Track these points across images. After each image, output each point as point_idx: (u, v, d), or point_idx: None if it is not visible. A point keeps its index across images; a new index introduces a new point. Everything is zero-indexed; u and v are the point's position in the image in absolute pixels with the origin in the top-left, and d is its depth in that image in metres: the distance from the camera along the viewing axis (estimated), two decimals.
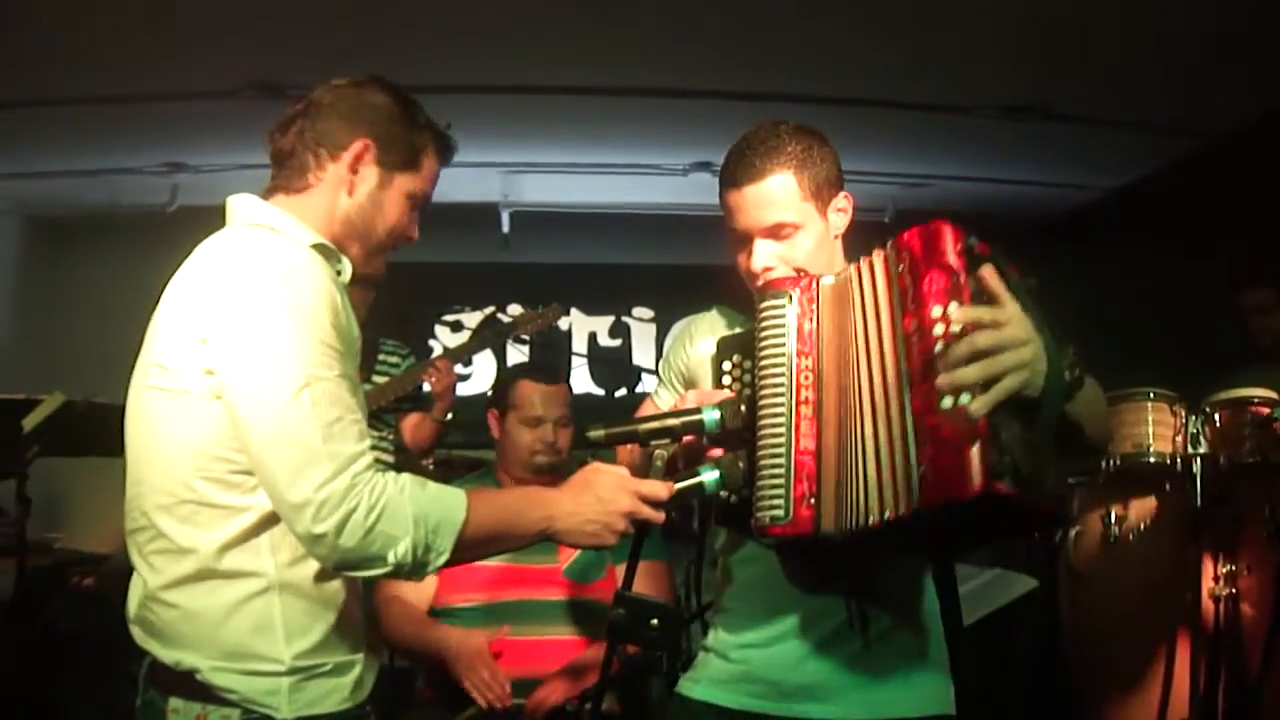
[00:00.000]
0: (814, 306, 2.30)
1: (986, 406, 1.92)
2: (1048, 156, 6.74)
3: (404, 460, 5.19)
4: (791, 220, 2.44)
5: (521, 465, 4.01)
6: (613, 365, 8.29)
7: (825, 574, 2.43)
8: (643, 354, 8.43)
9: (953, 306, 2.01)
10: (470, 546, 2.10)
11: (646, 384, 7.51)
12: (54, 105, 5.88)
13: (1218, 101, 5.67)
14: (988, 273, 2.02)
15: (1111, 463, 3.82)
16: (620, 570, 3.73)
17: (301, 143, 2.27)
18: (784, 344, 2.29)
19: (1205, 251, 5.97)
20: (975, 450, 1.91)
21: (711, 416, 2.31)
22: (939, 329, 2.01)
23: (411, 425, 5.18)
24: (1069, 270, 7.43)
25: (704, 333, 2.69)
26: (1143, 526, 3.82)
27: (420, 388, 5.03)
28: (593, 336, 8.43)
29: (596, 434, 2.38)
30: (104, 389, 5.36)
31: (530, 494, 2.47)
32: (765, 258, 2.45)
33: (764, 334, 2.32)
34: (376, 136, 2.28)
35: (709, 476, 2.29)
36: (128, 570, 2.25)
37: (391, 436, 5.14)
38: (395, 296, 5.75)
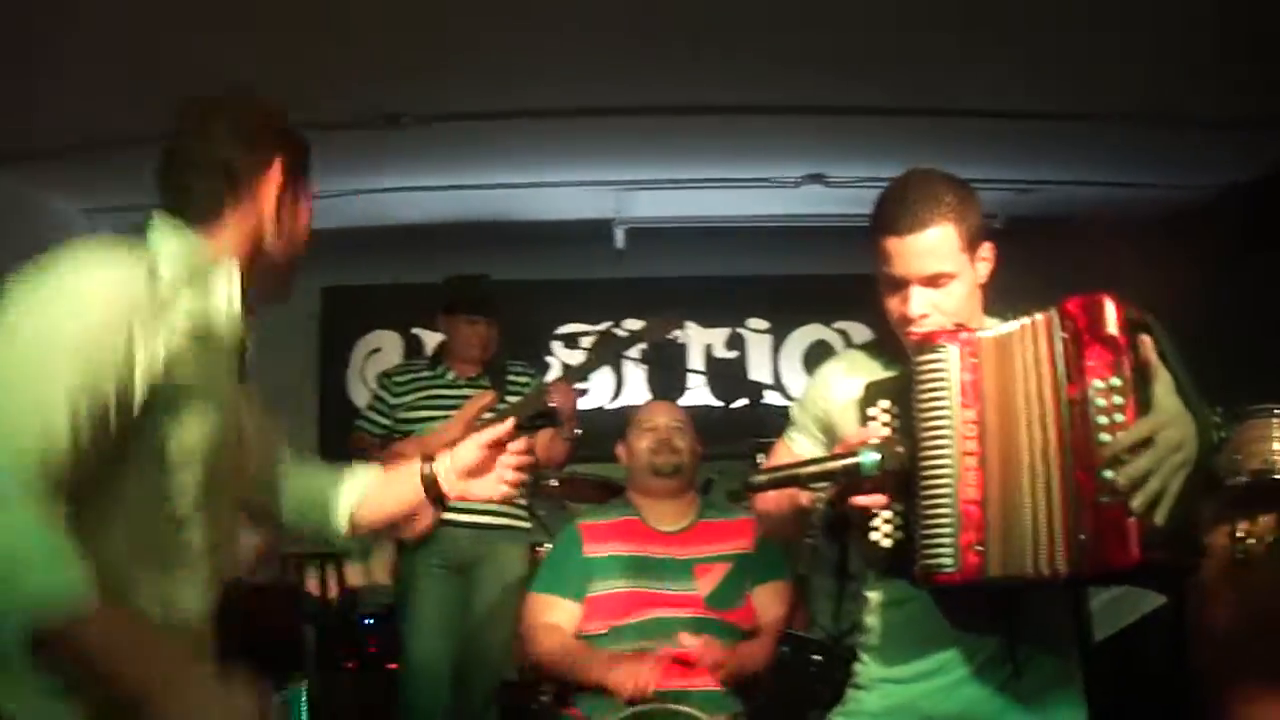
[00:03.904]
0: (975, 359, 2.35)
1: (1147, 502, 2.08)
2: (1155, 158, 6.68)
3: (536, 476, 5.31)
4: (949, 270, 2.50)
5: (643, 470, 4.13)
6: (729, 377, 8.30)
7: (979, 611, 2.49)
8: (759, 365, 8.45)
9: (1114, 380, 2.15)
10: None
11: (768, 399, 7.54)
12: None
13: None
14: (1145, 345, 2.17)
15: (1238, 480, 3.78)
16: (753, 596, 3.82)
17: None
18: (947, 396, 2.34)
19: None
20: (1133, 523, 2.08)
21: (869, 459, 2.35)
22: (1101, 401, 2.15)
23: (543, 443, 5.27)
24: (1173, 270, 7.37)
25: (841, 376, 2.74)
26: (1270, 543, 3.77)
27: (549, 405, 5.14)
28: (708, 349, 8.44)
29: (759, 480, 2.45)
30: None
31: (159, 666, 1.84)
32: (922, 305, 2.51)
33: (925, 386, 2.37)
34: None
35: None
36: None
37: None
38: (513, 314, 5.84)
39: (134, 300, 1.92)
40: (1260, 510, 3.79)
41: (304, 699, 2.03)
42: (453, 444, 4.93)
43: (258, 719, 1.85)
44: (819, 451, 2.74)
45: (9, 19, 4.64)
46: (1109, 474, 2.11)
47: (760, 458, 5.63)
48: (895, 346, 2.64)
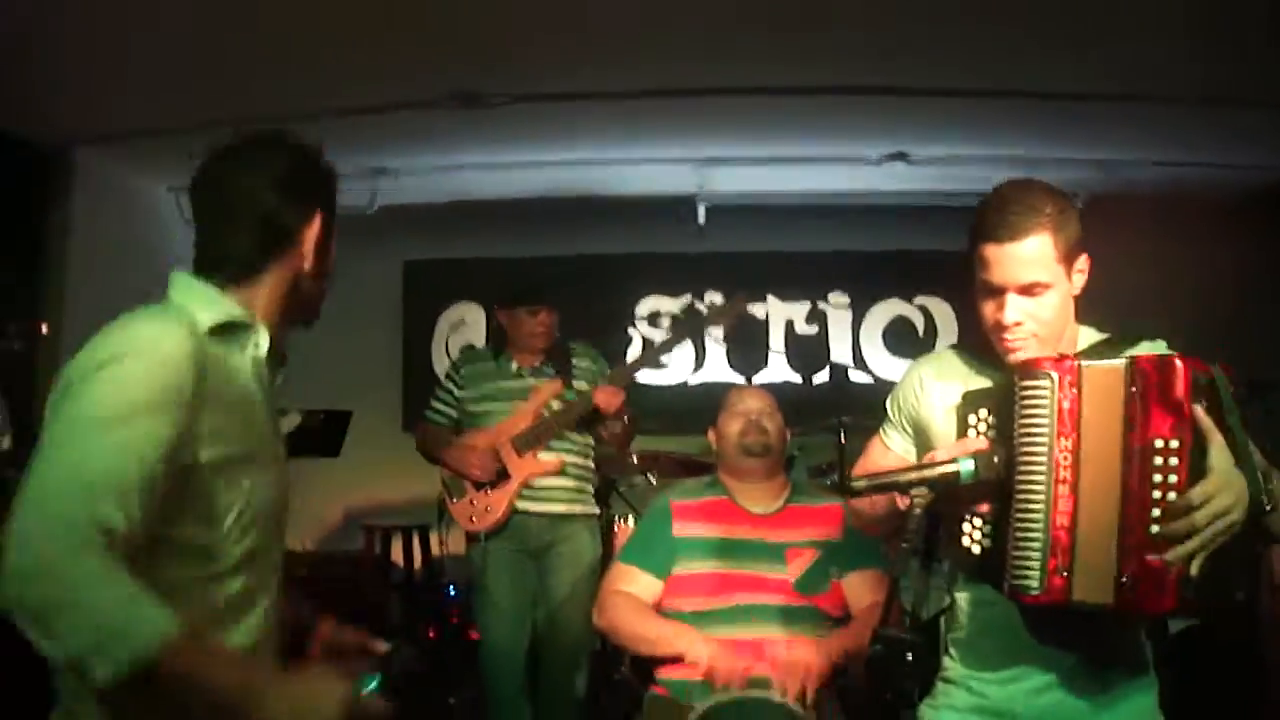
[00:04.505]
0: (1075, 389, 2.38)
1: (1182, 559, 2.21)
2: (1236, 139, 6.64)
3: (612, 455, 5.51)
4: (1045, 280, 2.52)
5: (733, 451, 4.18)
6: (809, 352, 8.33)
7: (1065, 623, 2.54)
8: (839, 340, 8.46)
9: (1173, 442, 2.25)
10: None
11: (853, 377, 7.59)
12: (262, 121, 6.11)
13: None
14: (1202, 415, 2.24)
15: None
16: (844, 584, 3.87)
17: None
18: (1046, 424, 2.39)
19: None
20: (1172, 574, 2.21)
21: (967, 467, 2.42)
22: (1159, 460, 2.25)
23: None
24: (1253, 243, 7.34)
25: (934, 380, 2.80)
26: None
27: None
28: (789, 324, 8.46)
29: (860, 485, 2.52)
30: (300, 393, 5.54)
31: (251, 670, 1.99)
32: (1017, 313, 2.55)
33: (1026, 412, 2.41)
34: None
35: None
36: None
37: (593, 442, 5.31)
38: (595, 288, 5.89)
39: (187, 365, 1.94)
40: None
41: (375, 685, 2.09)
42: (523, 433, 5.04)
43: (350, 700, 1.91)
44: (913, 448, 2.83)
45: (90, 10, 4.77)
46: (1155, 529, 2.23)
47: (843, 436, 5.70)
48: (984, 349, 2.69)
